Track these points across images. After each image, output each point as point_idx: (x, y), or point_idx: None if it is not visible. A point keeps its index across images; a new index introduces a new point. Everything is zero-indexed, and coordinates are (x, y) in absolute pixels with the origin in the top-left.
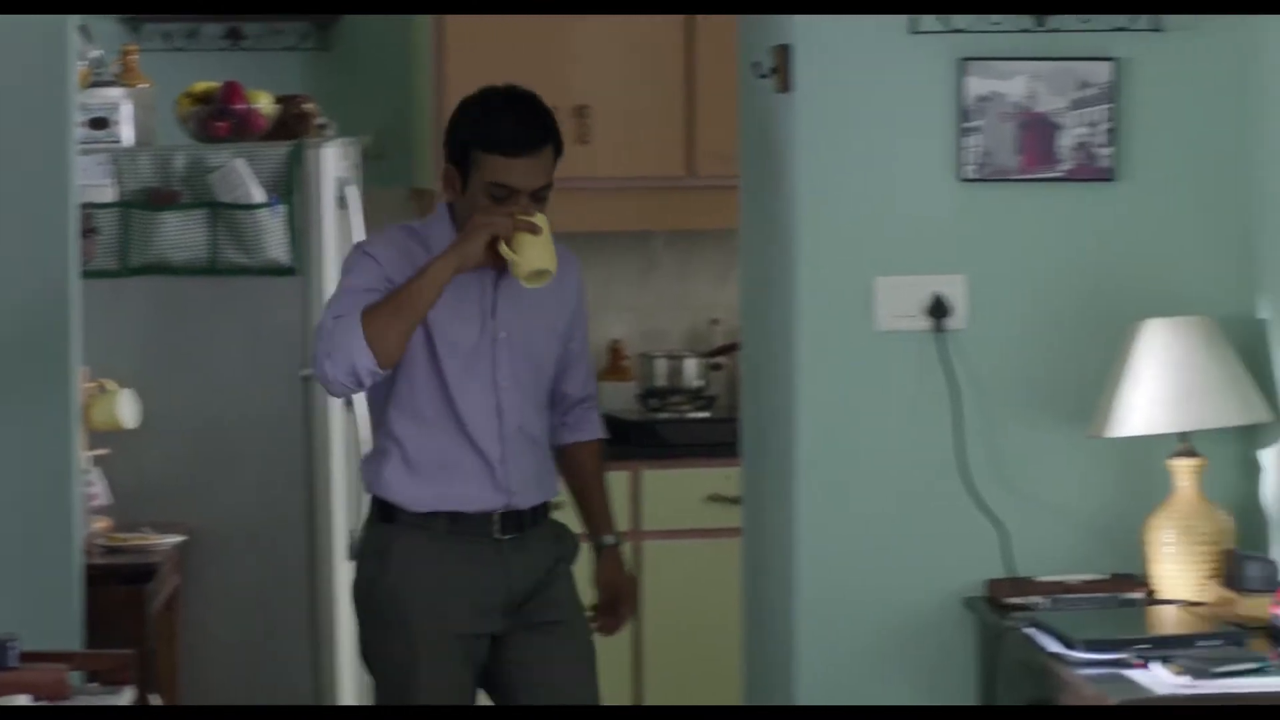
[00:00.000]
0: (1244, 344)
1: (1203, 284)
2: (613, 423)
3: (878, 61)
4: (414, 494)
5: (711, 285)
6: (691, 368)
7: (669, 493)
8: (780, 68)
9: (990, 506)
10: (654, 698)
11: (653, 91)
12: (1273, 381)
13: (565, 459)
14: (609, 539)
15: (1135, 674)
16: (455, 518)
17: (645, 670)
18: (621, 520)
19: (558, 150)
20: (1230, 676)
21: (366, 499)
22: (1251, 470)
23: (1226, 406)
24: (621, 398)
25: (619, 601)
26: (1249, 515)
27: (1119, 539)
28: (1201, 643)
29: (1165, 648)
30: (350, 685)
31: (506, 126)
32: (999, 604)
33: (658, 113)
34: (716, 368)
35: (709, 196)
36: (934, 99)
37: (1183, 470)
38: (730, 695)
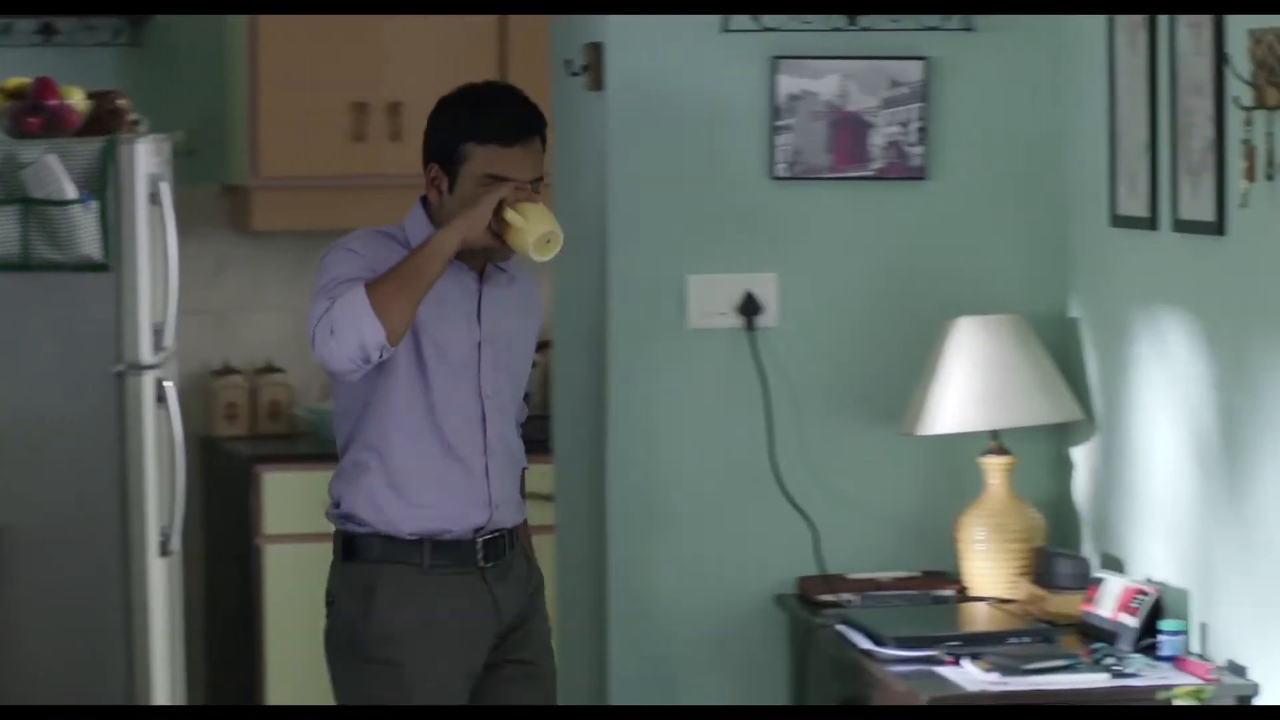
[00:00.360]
0: (1055, 342)
1: (1014, 282)
2: None
3: (689, 59)
4: (397, 514)
5: None
6: None
7: None
8: (592, 65)
9: (802, 504)
10: None
11: None
12: (1084, 380)
13: None
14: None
15: (946, 671)
16: (438, 546)
17: None
18: None
19: (544, 143)
20: (1040, 674)
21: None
22: (1062, 468)
23: (1037, 405)
24: None
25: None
26: (1059, 513)
27: (930, 536)
28: (1012, 640)
29: (976, 644)
30: (163, 685)
31: (500, 116)
32: (810, 601)
33: None
34: (531, 365)
35: None
36: (745, 97)
37: (994, 468)
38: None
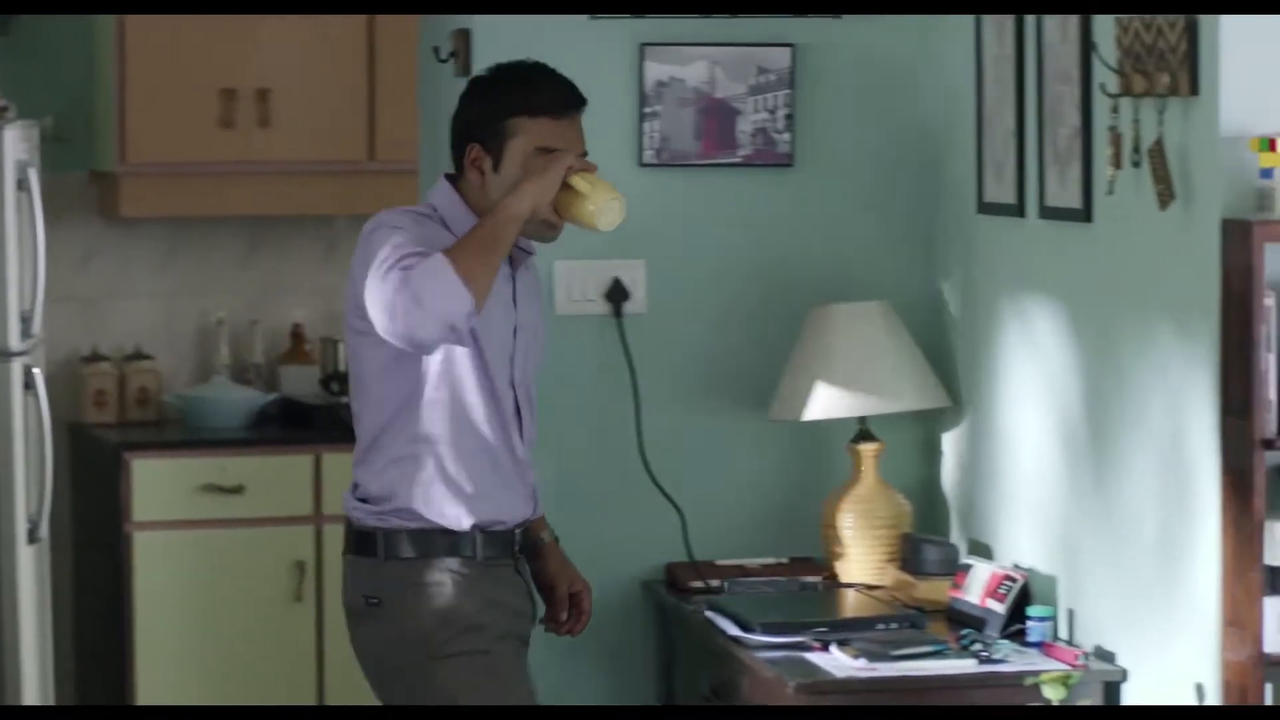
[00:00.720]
0: (923, 329)
1: (882, 269)
2: (295, 407)
3: (558, 45)
4: (457, 507)
5: None
6: None
7: (350, 476)
8: (460, 52)
9: (670, 491)
10: (336, 676)
11: (334, 75)
12: (952, 366)
13: None
14: (547, 535)
15: (814, 657)
16: (488, 537)
17: (327, 652)
18: (303, 504)
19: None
20: (908, 659)
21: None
22: (930, 455)
23: (904, 391)
24: (303, 382)
25: (581, 596)
26: (927, 499)
27: (798, 523)
28: (880, 626)
29: (844, 631)
30: (32, 672)
31: (549, 89)
32: (678, 588)
33: (339, 97)
34: None
35: (390, 180)
36: (614, 84)
37: (861, 455)
38: None
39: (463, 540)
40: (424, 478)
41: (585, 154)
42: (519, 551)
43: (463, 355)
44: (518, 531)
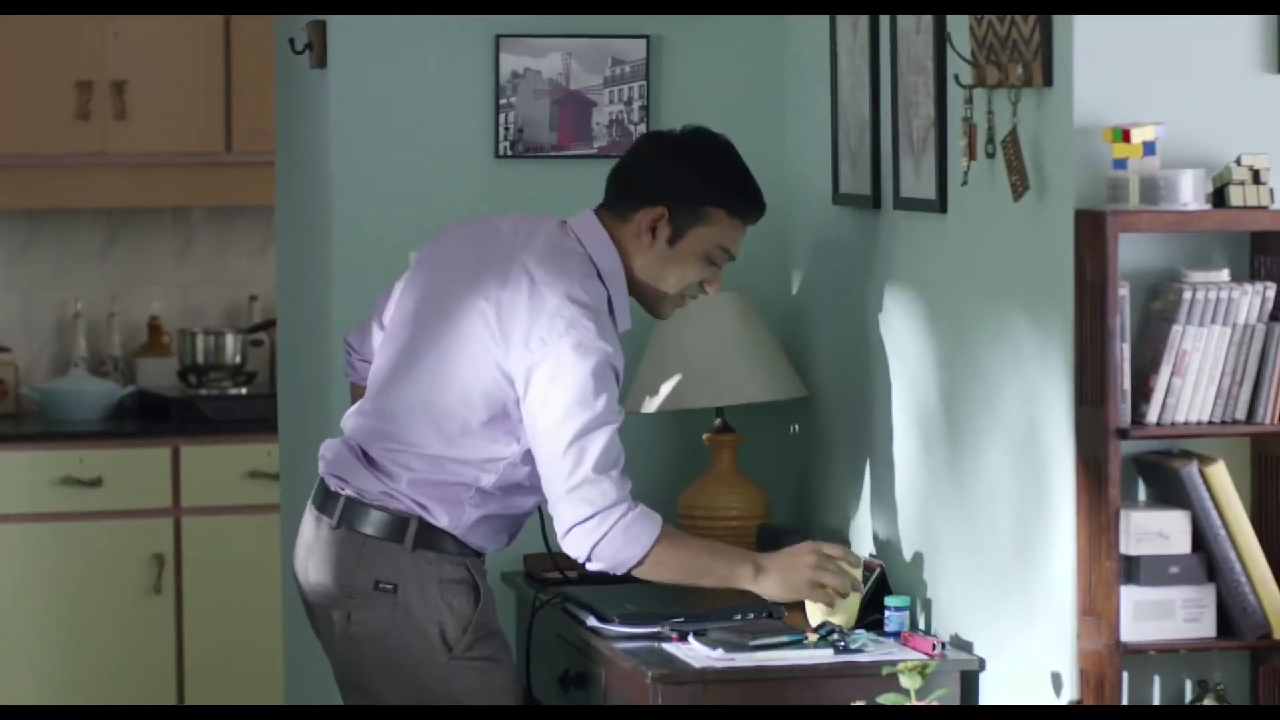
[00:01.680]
0: (779, 320)
1: (738, 260)
2: (152, 399)
3: (413, 37)
4: (481, 543)
5: (249, 261)
6: (230, 344)
7: (209, 469)
8: (315, 44)
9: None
10: (195, 668)
11: (191, 66)
12: (808, 357)
13: None
14: None
15: (671, 648)
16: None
17: (186, 644)
18: (161, 497)
19: None
20: (765, 649)
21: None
22: (787, 445)
23: (760, 382)
24: (161, 374)
25: None
26: (785, 490)
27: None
28: (737, 616)
29: (701, 621)
30: None
31: (755, 193)
32: (535, 578)
33: (196, 87)
34: (256, 344)
35: (246, 172)
36: (469, 75)
37: (718, 445)
38: (273, 665)
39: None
40: (470, 511)
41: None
42: None
43: None
44: None
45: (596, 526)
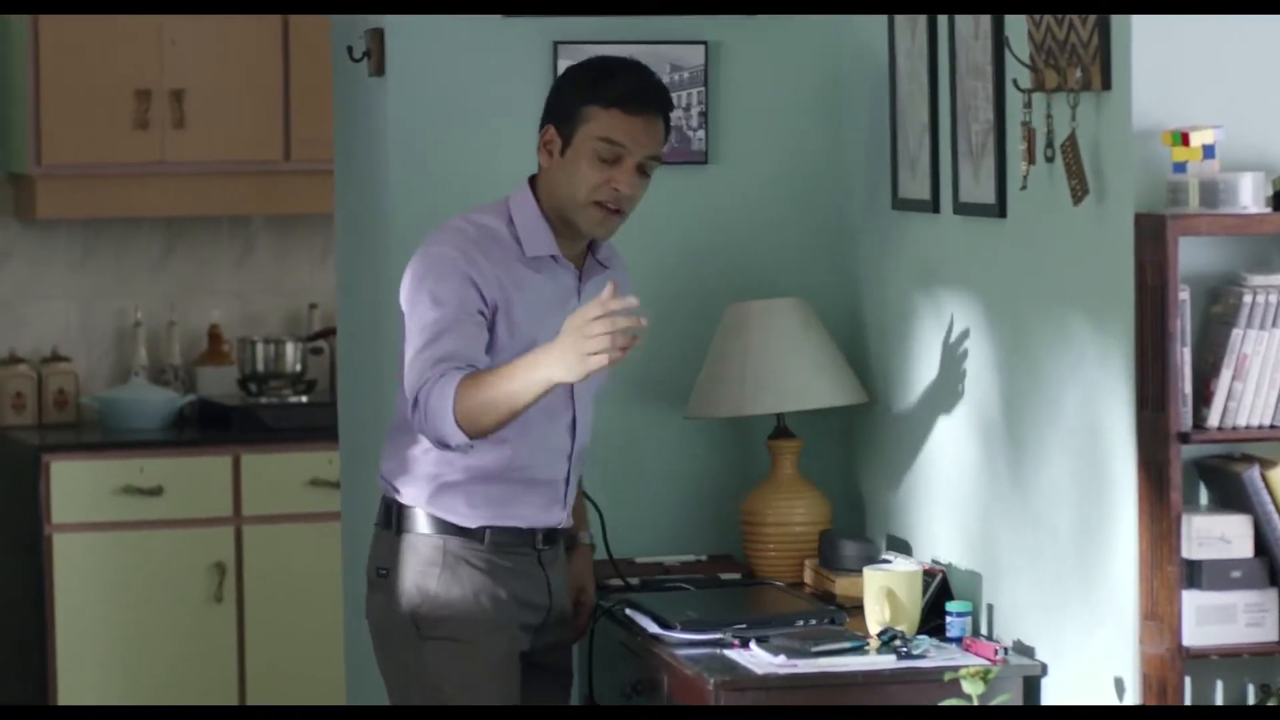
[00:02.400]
0: (839, 326)
1: (797, 266)
2: (213, 408)
3: (471, 44)
4: (468, 513)
5: (309, 269)
6: (290, 352)
7: (270, 477)
8: (374, 51)
9: (588, 488)
10: (256, 677)
11: (249, 75)
12: (868, 362)
13: None
14: (586, 537)
15: (734, 654)
16: (498, 530)
17: (248, 653)
18: (222, 505)
19: (667, 129)
20: (827, 655)
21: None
22: (848, 451)
23: (821, 388)
24: (221, 382)
25: (583, 604)
26: (846, 496)
27: (717, 520)
28: (799, 622)
29: (763, 628)
30: None
31: (627, 82)
32: (597, 585)
33: (254, 96)
34: (316, 352)
35: (306, 181)
36: (527, 82)
37: (780, 452)
38: (334, 673)
39: (471, 530)
40: (445, 478)
41: (658, 158)
42: (544, 544)
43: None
44: (541, 531)
45: (416, 410)
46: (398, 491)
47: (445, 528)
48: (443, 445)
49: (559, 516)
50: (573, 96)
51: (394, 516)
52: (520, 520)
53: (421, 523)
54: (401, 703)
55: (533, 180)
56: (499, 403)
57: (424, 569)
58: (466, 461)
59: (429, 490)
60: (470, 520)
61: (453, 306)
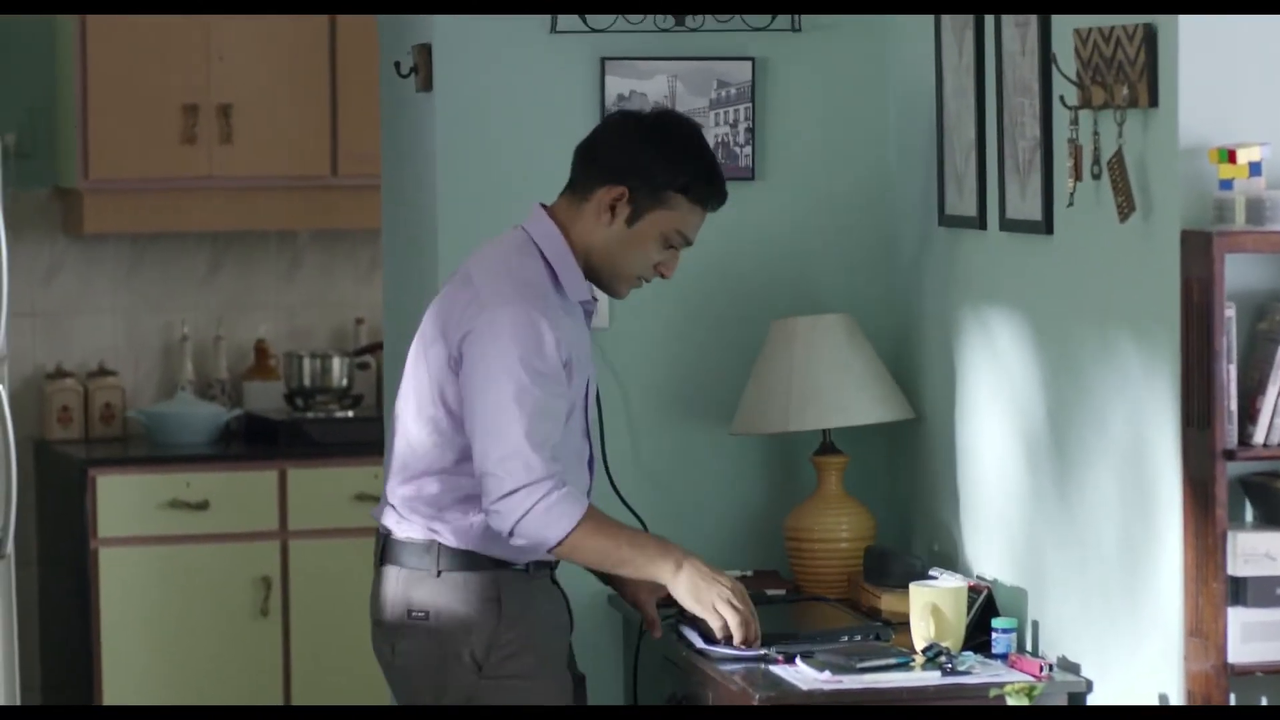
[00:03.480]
0: (885, 342)
1: (843, 282)
2: (259, 422)
3: (518, 60)
4: (512, 552)
5: (356, 284)
6: (337, 367)
7: (316, 491)
8: (421, 67)
9: (634, 504)
10: (302, 691)
11: (296, 90)
12: (914, 379)
13: None
14: None
15: (779, 670)
16: (538, 563)
17: (293, 667)
18: (268, 520)
19: None
20: (873, 672)
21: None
22: (894, 467)
23: (867, 404)
24: (268, 397)
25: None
26: (891, 511)
27: (763, 536)
28: (845, 638)
29: (808, 643)
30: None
31: (719, 180)
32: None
33: (301, 111)
34: (363, 367)
35: (353, 196)
36: (574, 98)
37: (825, 467)
38: (379, 687)
39: (519, 566)
40: (470, 521)
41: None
42: (555, 563)
43: (579, 415)
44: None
45: (522, 501)
46: (436, 533)
47: (496, 564)
48: (515, 539)
49: None
50: (664, 177)
51: (434, 558)
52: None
53: (471, 561)
54: None
55: (548, 210)
56: (607, 556)
57: (483, 607)
58: None
59: (477, 531)
60: (516, 557)
61: (548, 382)
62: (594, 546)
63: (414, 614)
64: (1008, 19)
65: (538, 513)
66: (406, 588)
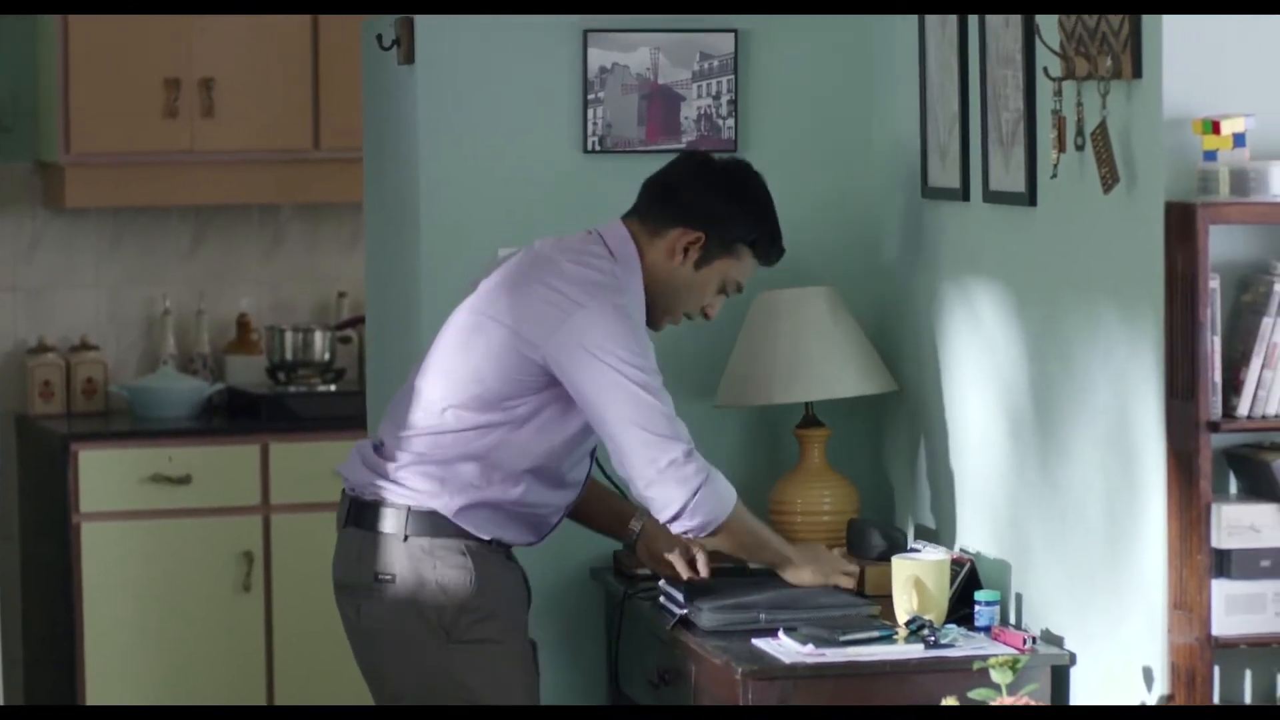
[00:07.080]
0: (867, 314)
1: (826, 254)
2: (241, 396)
3: (501, 33)
4: (485, 527)
5: (338, 258)
6: (319, 340)
7: (298, 466)
8: (403, 39)
9: (615, 478)
10: (284, 666)
11: (278, 63)
12: (897, 351)
13: None
14: (636, 525)
15: (761, 643)
16: (501, 542)
17: (275, 642)
18: (250, 494)
19: None
20: (856, 645)
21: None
22: (876, 440)
23: (850, 377)
24: (250, 371)
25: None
26: (874, 484)
27: (746, 507)
28: (824, 600)
29: (789, 609)
30: None
31: (780, 238)
32: (624, 574)
33: (283, 85)
34: (345, 340)
35: (335, 169)
36: (557, 71)
37: (808, 440)
38: None
39: (485, 539)
40: (469, 494)
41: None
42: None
43: (575, 411)
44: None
45: (699, 502)
46: (420, 494)
47: (465, 534)
48: (689, 515)
49: (529, 540)
50: (739, 230)
51: (404, 522)
52: (505, 538)
53: (443, 529)
54: (414, 703)
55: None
56: (752, 537)
57: (451, 574)
58: (491, 490)
59: (460, 503)
60: (483, 532)
61: (651, 370)
62: (749, 530)
63: (380, 577)
64: None
65: (720, 486)
66: (373, 550)
